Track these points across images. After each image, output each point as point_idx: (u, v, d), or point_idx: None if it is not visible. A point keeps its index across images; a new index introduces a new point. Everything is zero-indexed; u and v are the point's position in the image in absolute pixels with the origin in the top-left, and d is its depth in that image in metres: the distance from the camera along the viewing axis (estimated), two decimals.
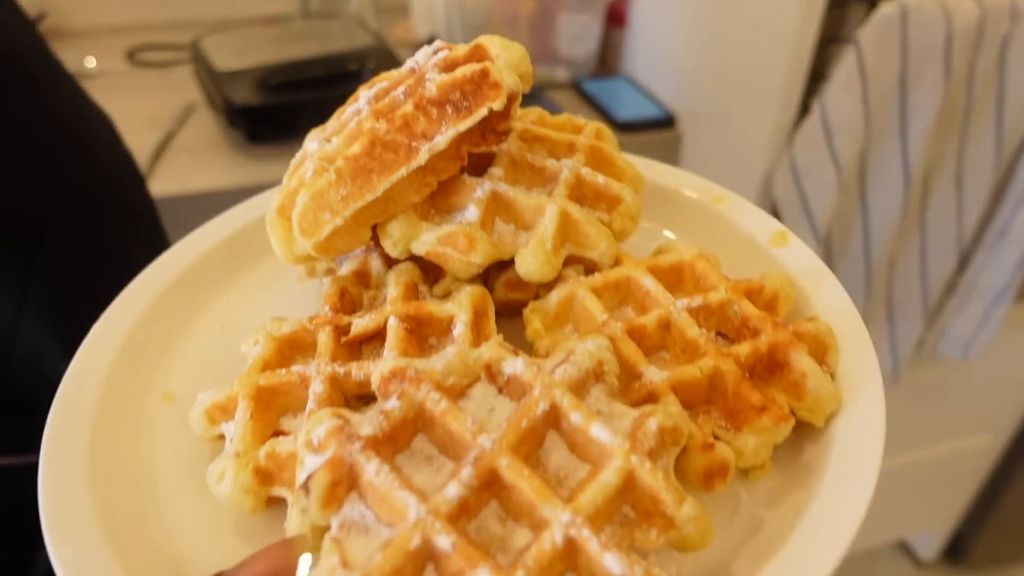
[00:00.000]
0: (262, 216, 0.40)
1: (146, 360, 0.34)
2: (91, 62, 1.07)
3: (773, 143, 0.85)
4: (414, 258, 0.33)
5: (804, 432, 0.28)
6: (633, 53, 1.09)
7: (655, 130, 1.00)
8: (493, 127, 0.30)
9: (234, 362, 0.33)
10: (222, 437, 0.30)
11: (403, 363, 0.25)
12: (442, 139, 0.29)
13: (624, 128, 0.97)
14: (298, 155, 0.36)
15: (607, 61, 1.14)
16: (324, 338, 0.30)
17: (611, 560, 0.21)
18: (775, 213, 0.88)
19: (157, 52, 1.12)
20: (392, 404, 0.24)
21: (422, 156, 0.29)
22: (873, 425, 0.27)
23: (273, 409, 0.29)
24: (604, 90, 1.04)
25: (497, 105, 0.29)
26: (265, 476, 0.27)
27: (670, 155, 1.03)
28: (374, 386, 0.25)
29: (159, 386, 0.34)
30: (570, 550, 0.22)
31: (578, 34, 1.05)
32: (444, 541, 0.21)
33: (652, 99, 1.03)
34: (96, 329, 0.34)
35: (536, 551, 0.21)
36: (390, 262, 0.34)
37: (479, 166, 0.34)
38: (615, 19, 1.08)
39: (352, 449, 0.22)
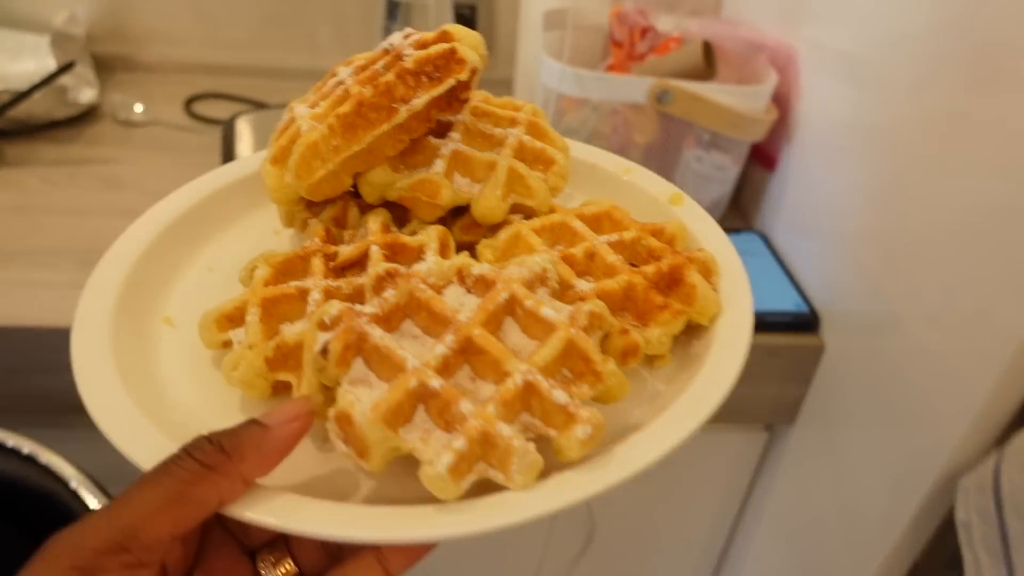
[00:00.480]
0: (241, 177, 0.46)
1: (146, 292, 0.39)
2: (139, 108, 0.97)
3: (970, 429, 0.54)
4: (385, 205, 0.40)
5: (694, 333, 0.37)
6: (776, 206, 0.81)
7: (786, 331, 0.69)
8: (458, 95, 0.38)
9: (222, 295, 0.39)
10: (228, 344, 0.35)
11: (395, 266, 0.32)
12: (418, 101, 0.36)
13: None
14: (283, 118, 0.42)
15: (741, 206, 0.88)
16: (316, 262, 0.36)
17: (559, 394, 0.29)
18: (947, 528, 0.60)
19: (217, 103, 1.01)
20: (389, 292, 0.31)
21: (401, 115, 0.36)
22: (744, 323, 0.36)
23: (275, 317, 0.35)
24: None
25: (463, 76, 0.36)
26: (273, 363, 0.33)
27: (802, 369, 0.72)
28: (369, 284, 0.32)
29: (160, 312, 0.39)
30: (527, 391, 0.29)
31: (709, 175, 0.81)
32: (435, 383, 0.28)
33: (790, 278, 0.75)
34: (101, 265, 0.38)
35: (502, 390, 0.29)
36: (364, 208, 0.41)
37: (439, 132, 0.41)
38: (763, 160, 0.83)
39: (360, 321, 0.29)
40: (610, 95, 0.75)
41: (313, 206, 0.41)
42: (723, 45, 0.81)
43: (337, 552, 0.31)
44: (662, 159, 0.81)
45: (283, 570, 0.30)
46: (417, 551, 0.29)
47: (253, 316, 0.34)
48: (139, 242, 0.40)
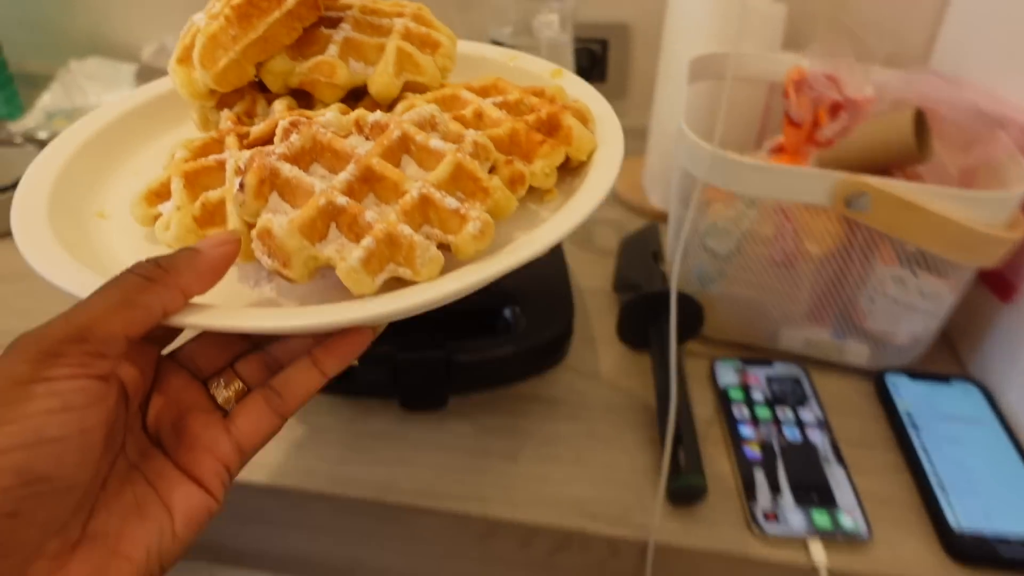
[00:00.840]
0: (163, 93, 0.50)
1: (77, 191, 0.42)
2: None
3: None
4: (290, 95, 0.44)
5: (577, 172, 0.43)
6: (1012, 351, 0.57)
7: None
8: None
9: None
10: (159, 217, 0.39)
11: (298, 116, 0.36)
12: None
13: (964, 554, 0.45)
14: (185, 27, 0.45)
15: (951, 341, 0.65)
16: (231, 140, 0.40)
17: (451, 201, 0.34)
18: None
19: None
20: (294, 137, 0.35)
21: (289, 1, 0.41)
22: (615, 154, 0.42)
23: (198, 187, 0.39)
24: (927, 404, 0.57)
25: None
26: (201, 220, 0.37)
27: None
28: (277, 137, 0.36)
29: (93, 208, 0.42)
30: (423, 202, 0.34)
31: (910, 303, 0.56)
32: (341, 200, 0.33)
33: None
34: (31, 170, 0.41)
35: (402, 202, 0.33)
36: (271, 101, 0.45)
37: (331, 25, 0.45)
38: (994, 284, 0.60)
39: (271, 159, 0.33)
40: (778, 192, 0.53)
41: (224, 103, 0.45)
42: (938, 111, 0.57)
43: (278, 368, 0.35)
44: (841, 277, 0.56)
45: (233, 389, 0.35)
46: (346, 352, 0.34)
47: (178, 184, 0.38)
48: (66, 150, 0.43)
